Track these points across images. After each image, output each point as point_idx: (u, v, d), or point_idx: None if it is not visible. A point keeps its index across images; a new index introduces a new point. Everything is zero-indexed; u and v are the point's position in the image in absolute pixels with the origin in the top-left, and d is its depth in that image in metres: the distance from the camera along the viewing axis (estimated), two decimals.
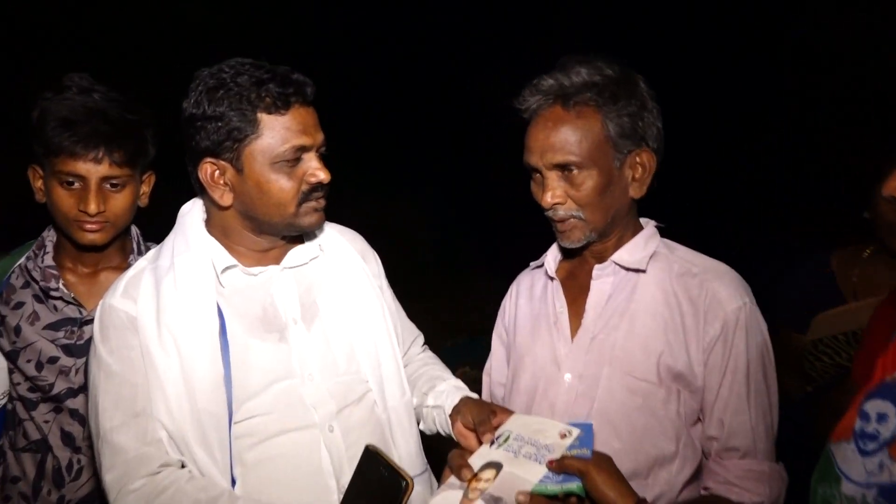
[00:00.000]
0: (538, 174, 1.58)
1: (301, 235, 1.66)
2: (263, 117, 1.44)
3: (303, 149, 1.48)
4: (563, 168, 1.53)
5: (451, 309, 6.48)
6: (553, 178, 1.55)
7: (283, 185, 1.48)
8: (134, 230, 1.96)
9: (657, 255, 1.63)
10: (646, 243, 1.64)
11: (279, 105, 1.44)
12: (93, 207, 1.73)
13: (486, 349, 1.95)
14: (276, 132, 1.45)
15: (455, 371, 5.10)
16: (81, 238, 1.78)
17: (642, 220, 1.70)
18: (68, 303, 1.81)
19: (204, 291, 1.49)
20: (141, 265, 1.58)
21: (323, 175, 1.51)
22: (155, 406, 1.43)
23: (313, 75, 1.54)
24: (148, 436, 1.43)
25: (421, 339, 2.00)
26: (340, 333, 1.62)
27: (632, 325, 1.57)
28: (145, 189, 1.91)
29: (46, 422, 1.77)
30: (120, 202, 1.80)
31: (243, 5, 6.81)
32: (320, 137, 1.52)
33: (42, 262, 1.83)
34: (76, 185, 1.75)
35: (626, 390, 1.54)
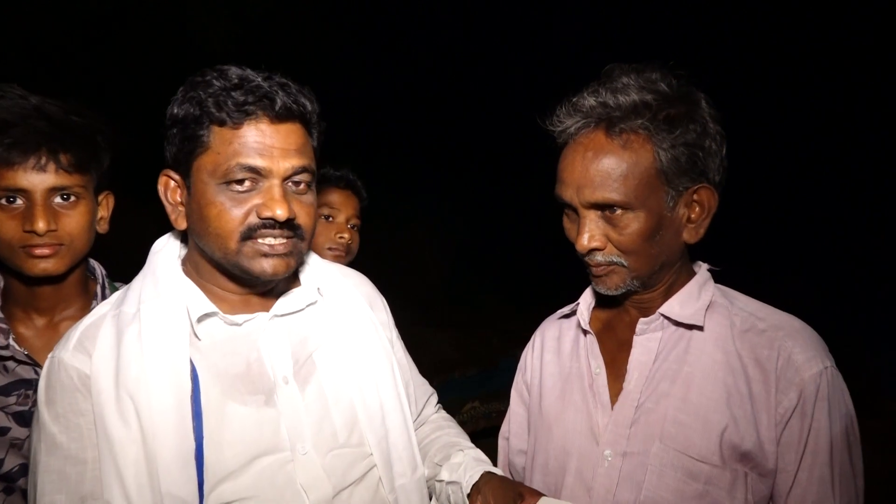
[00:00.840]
0: (572, 211, 1.34)
1: (297, 276, 1.43)
2: (214, 128, 1.23)
3: (255, 171, 1.22)
4: (604, 208, 1.28)
5: (460, 339, 6.22)
6: (591, 218, 1.31)
7: (224, 210, 1.22)
8: (99, 270, 1.69)
9: (714, 305, 1.38)
10: (700, 292, 1.39)
11: (233, 116, 1.21)
12: (41, 225, 1.44)
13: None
14: (225, 147, 1.22)
15: (463, 406, 4.78)
16: (32, 268, 1.48)
17: (693, 264, 1.45)
18: (21, 362, 1.52)
19: (174, 346, 1.24)
20: (101, 311, 1.32)
21: (280, 211, 1.22)
22: (108, 489, 1.17)
23: (327, 93, 1.30)
24: None
25: (435, 397, 1.74)
26: (341, 396, 1.37)
27: (686, 392, 1.31)
28: (104, 213, 1.62)
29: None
30: (74, 219, 1.51)
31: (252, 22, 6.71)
32: (288, 164, 1.24)
33: None
34: (18, 201, 1.45)
35: (681, 473, 1.28)
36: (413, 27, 7.51)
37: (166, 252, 1.36)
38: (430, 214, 7.40)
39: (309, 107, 1.29)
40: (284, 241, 1.27)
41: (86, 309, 1.58)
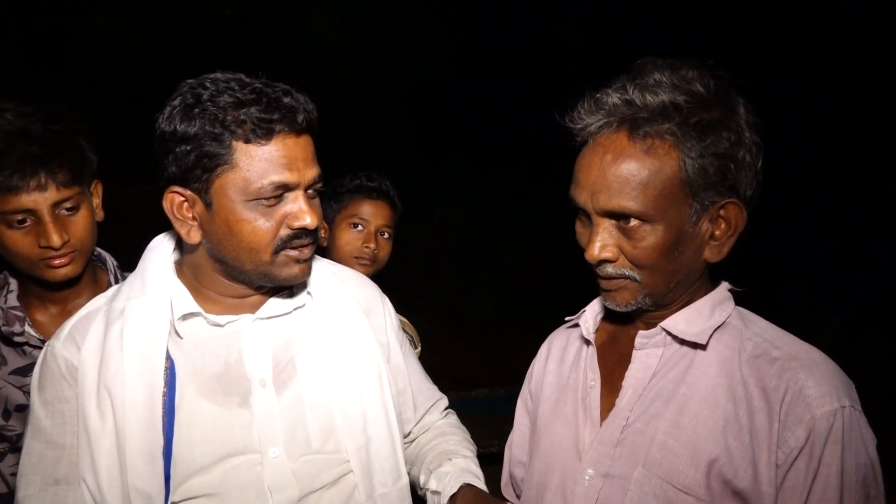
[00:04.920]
0: (585, 217, 1.23)
1: None
2: (239, 145, 1.21)
3: (285, 186, 1.24)
4: (619, 217, 1.17)
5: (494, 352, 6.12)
6: (604, 226, 1.19)
7: (257, 226, 1.24)
8: (110, 261, 1.79)
9: (726, 327, 1.23)
10: (712, 311, 1.25)
11: (259, 133, 1.20)
12: (56, 240, 1.53)
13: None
14: (253, 164, 1.21)
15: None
16: (53, 276, 1.59)
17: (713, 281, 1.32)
18: (35, 346, 1.64)
19: (152, 344, 1.28)
20: (96, 304, 1.39)
21: (310, 220, 1.26)
22: (83, 475, 1.25)
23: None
24: None
25: (443, 402, 1.71)
26: (320, 402, 1.36)
27: (679, 415, 1.19)
28: (97, 200, 1.69)
29: (14, 475, 1.61)
30: (81, 225, 1.60)
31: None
32: (311, 174, 1.27)
33: (6, 302, 1.65)
34: (27, 222, 1.54)
35: (661, 503, 1.16)
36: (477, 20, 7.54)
37: (160, 251, 1.40)
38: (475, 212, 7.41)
39: (316, 115, 1.29)
40: (311, 247, 1.31)
41: (96, 295, 1.63)
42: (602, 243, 1.19)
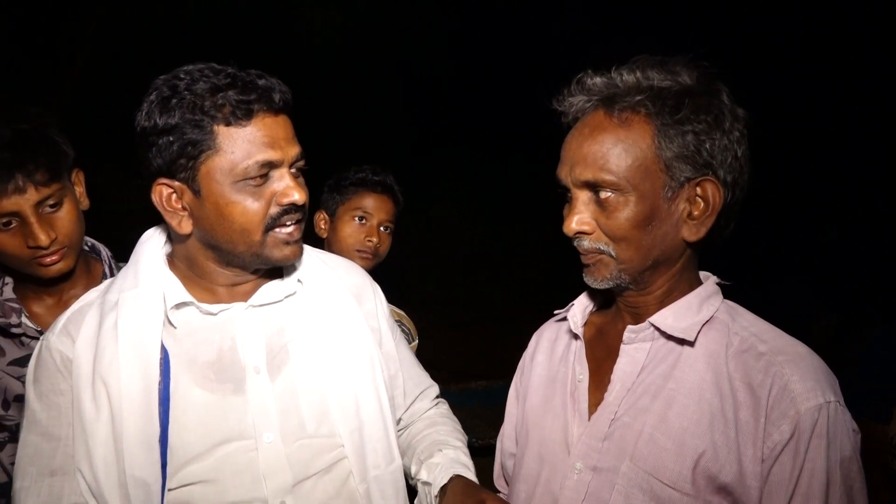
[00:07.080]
0: (568, 194, 1.27)
1: (280, 268, 1.43)
2: (221, 129, 1.23)
3: (270, 164, 1.26)
4: (594, 188, 1.21)
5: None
6: (582, 199, 1.23)
7: (246, 207, 1.26)
8: (104, 252, 1.79)
9: (714, 321, 1.24)
10: (700, 306, 1.26)
11: (238, 114, 1.23)
12: (43, 239, 1.53)
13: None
14: (236, 146, 1.23)
15: None
16: (46, 273, 1.60)
17: (702, 274, 1.33)
18: (33, 337, 1.65)
19: (146, 334, 1.29)
20: (90, 297, 1.40)
21: (298, 195, 1.28)
22: (79, 466, 1.26)
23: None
24: (63, 500, 1.26)
25: (433, 391, 1.72)
26: (313, 386, 1.38)
27: (666, 409, 1.20)
28: (79, 189, 1.68)
29: (14, 464, 1.63)
30: (67, 220, 1.59)
31: None
32: (293, 152, 1.30)
33: (1, 294, 1.65)
34: (12, 223, 1.53)
35: (649, 497, 1.18)
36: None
37: (151, 244, 1.41)
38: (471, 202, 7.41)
39: (290, 96, 1.31)
40: (299, 225, 1.34)
41: (90, 285, 1.66)
42: (579, 216, 1.23)
